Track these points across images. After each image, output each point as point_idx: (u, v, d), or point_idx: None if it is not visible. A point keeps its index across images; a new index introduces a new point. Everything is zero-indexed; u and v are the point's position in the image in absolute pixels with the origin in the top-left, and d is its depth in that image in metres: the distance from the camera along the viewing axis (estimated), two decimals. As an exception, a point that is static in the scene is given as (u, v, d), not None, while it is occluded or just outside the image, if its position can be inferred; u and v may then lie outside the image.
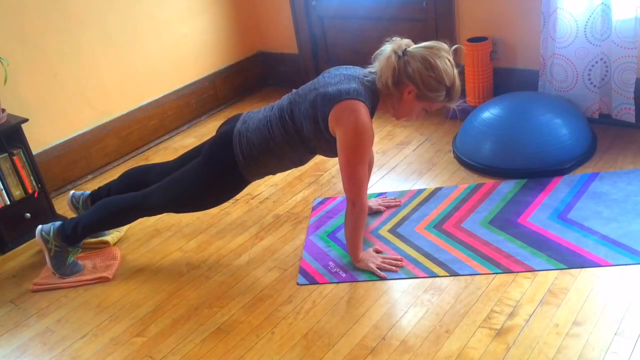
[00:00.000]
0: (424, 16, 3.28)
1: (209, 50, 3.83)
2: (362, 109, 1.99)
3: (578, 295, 1.88)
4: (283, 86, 3.93)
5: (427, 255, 2.18)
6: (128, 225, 2.65)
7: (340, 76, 2.11)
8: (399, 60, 2.02)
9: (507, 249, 2.14)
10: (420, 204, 2.51)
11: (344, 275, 2.16)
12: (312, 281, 2.15)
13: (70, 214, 2.74)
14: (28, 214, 2.70)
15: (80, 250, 2.47)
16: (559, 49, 2.77)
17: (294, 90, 2.23)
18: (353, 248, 2.16)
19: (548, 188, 2.46)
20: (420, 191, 2.61)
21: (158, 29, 3.50)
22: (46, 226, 2.37)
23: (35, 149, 2.86)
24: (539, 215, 2.30)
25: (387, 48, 2.06)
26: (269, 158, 2.17)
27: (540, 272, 2.00)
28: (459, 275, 2.06)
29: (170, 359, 1.91)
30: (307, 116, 2.07)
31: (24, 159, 2.65)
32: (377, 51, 2.10)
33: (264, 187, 2.87)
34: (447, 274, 2.07)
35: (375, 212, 2.50)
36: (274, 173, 2.32)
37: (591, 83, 2.78)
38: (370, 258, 2.17)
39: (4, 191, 2.60)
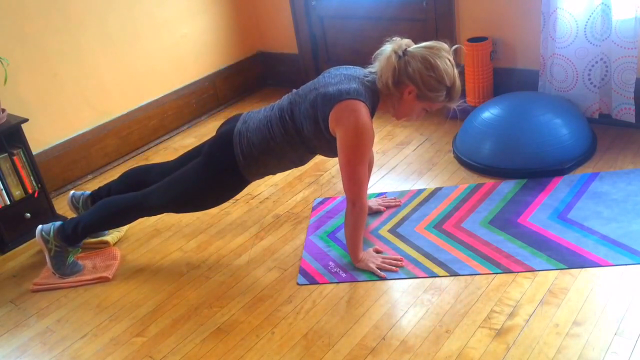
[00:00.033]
0: (424, 16, 3.28)
1: (209, 50, 3.83)
2: (363, 109, 1.99)
3: (578, 295, 1.88)
4: (283, 86, 3.93)
5: (427, 255, 2.18)
6: (128, 225, 2.65)
7: (340, 76, 2.11)
8: (399, 60, 2.02)
9: (507, 249, 2.14)
10: (420, 204, 2.51)
11: (344, 275, 2.16)
12: (312, 281, 2.15)
13: (70, 214, 2.74)
14: (28, 214, 2.70)
15: (80, 250, 2.47)
16: (559, 49, 2.77)
17: (294, 91, 2.23)
18: (353, 248, 2.16)
19: (548, 188, 2.46)
20: (420, 191, 2.61)
21: (158, 29, 3.50)
22: (46, 226, 2.37)
23: (35, 149, 2.86)
24: (539, 215, 2.30)
25: (388, 48, 2.06)
26: (269, 158, 2.17)
27: (540, 272, 2.00)
28: (459, 275, 2.06)
29: (170, 359, 1.91)
30: (308, 116, 2.07)
31: (24, 159, 2.65)
32: (378, 51, 2.10)
33: (264, 187, 2.87)
34: (447, 274, 2.07)
35: (375, 212, 2.50)
36: (274, 173, 2.32)
37: (591, 83, 2.78)
38: (370, 258, 2.17)
39: (4, 191, 2.60)
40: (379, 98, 2.11)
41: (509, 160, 2.59)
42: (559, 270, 2.00)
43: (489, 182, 2.59)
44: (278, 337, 1.93)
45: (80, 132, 3.23)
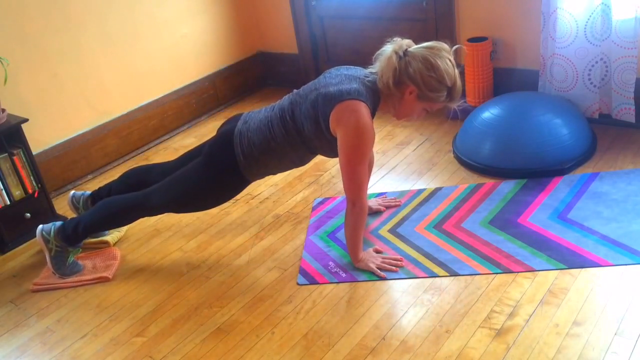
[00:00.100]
0: (424, 16, 3.28)
1: (209, 50, 3.83)
2: (363, 109, 1.99)
3: (578, 295, 1.88)
4: (283, 86, 3.94)
5: (427, 255, 2.18)
6: (128, 225, 2.65)
7: (341, 76, 2.11)
8: (400, 61, 2.02)
9: (507, 249, 2.14)
10: (420, 204, 2.51)
11: (344, 275, 2.16)
12: (312, 281, 2.15)
13: (70, 214, 2.74)
14: (28, 214, 2.70)
15: (80, 250, 2.48)
16: (559, 49, 2.77)
17: (294, 91, 2.23)
18: (353, 248, 2.16)
19: (548, 188, 2.46)
20: (420, 191, 2.61)
21: (158, 29, 3.50)
22: (47, 226, 2.37)
23: (35, 149, 2.86)
24: (539, 215, 2.30)
25: (388, 48, 2.06)
26: (270, 158, 2.17)
27: (540, 272, 2.00)
28: (459, 275, 2.06)
29: (170, 359, 1.91)
30: (308, 116, 2.07)
31: (24, 159, 2.65)
32: (378, 51, 2.10)
33: (264, 187, 2.87)
34: (447, 274, 2.07)
35: (375, 212, 2.50)
36: (274, 173, 2.32)
37: (591, 83, 2.78)
38: (370, 258, 2.17)
39: (4, 191, 2.60)
40: (379, 98, 2.11)
41: (509, 160, 2.59)
42: (559, 270, 2.00)
43: (489, 182, 2.59)
44: (278, 337, 1.93)
45: (80, 132, 3.23)
